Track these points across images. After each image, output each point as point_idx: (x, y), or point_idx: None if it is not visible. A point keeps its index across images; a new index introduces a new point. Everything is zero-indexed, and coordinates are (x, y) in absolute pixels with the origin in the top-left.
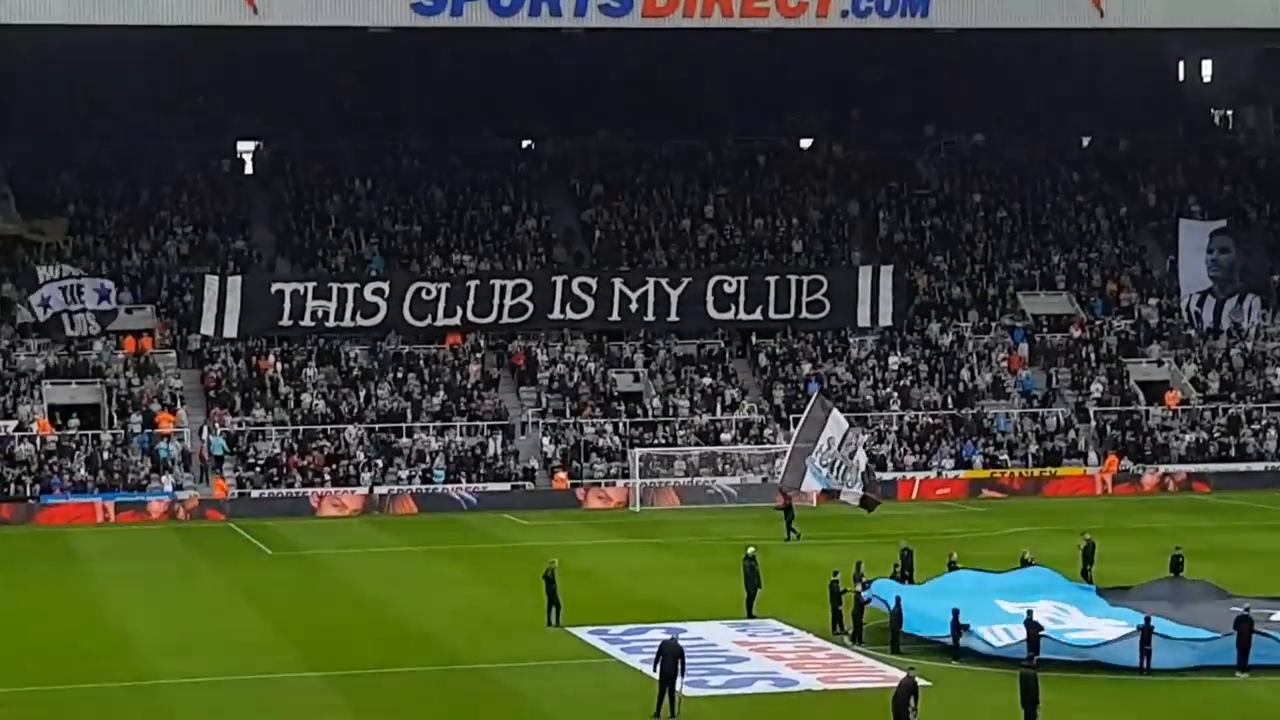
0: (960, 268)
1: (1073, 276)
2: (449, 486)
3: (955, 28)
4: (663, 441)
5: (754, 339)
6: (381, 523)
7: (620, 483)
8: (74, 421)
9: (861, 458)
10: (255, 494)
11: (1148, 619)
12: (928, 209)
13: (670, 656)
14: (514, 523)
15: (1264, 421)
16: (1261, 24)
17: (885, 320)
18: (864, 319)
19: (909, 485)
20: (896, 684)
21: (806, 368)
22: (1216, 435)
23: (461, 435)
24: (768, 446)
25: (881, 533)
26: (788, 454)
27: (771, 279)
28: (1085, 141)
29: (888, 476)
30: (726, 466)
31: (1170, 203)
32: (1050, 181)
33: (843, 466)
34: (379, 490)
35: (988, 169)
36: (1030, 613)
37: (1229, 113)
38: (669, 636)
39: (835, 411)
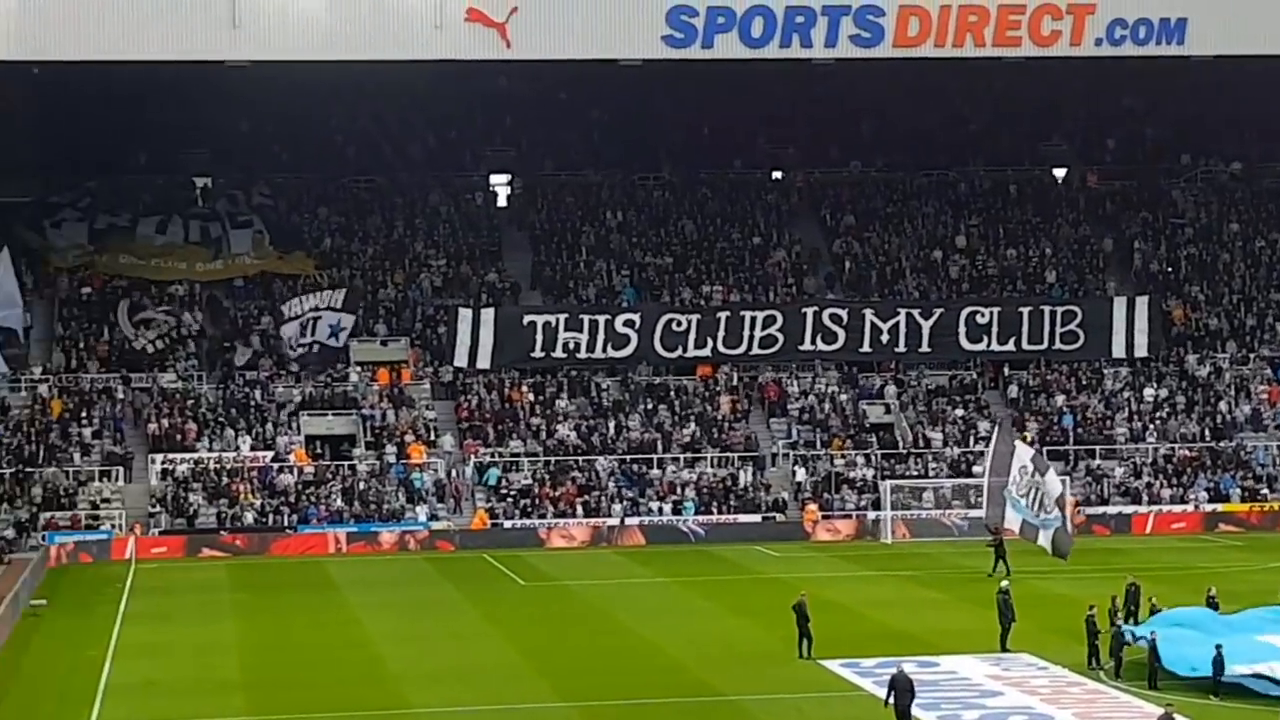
0: (1217, 298)
1: None
2: (676, 519)
3: (1211, 55)
4: (915, 474)
5: (1006, 370)
6: (630, 554)
7: (854, 514)
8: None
9: (1054, 484)
10: (508, 524)
11: None
12: (1184, 238)
13: (904, 692)
14: (761, 554)
15: None
16: None
17: (1141, 351)
18: (1119, 350)
19: (1143, 519)
20: None
21: (1060, 399)
22: None
23: (712, 467)
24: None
25: (1130, 567)
26: (985, 489)
27: (1024, 310)
28: None
29: (1138, 509)
30: (978, 498)
31: None
32: None
33: (1038, 495)
34: (609, 522)
35: (1245, 197)
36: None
37: None
38: (899, 670)
39: (1019, 441)
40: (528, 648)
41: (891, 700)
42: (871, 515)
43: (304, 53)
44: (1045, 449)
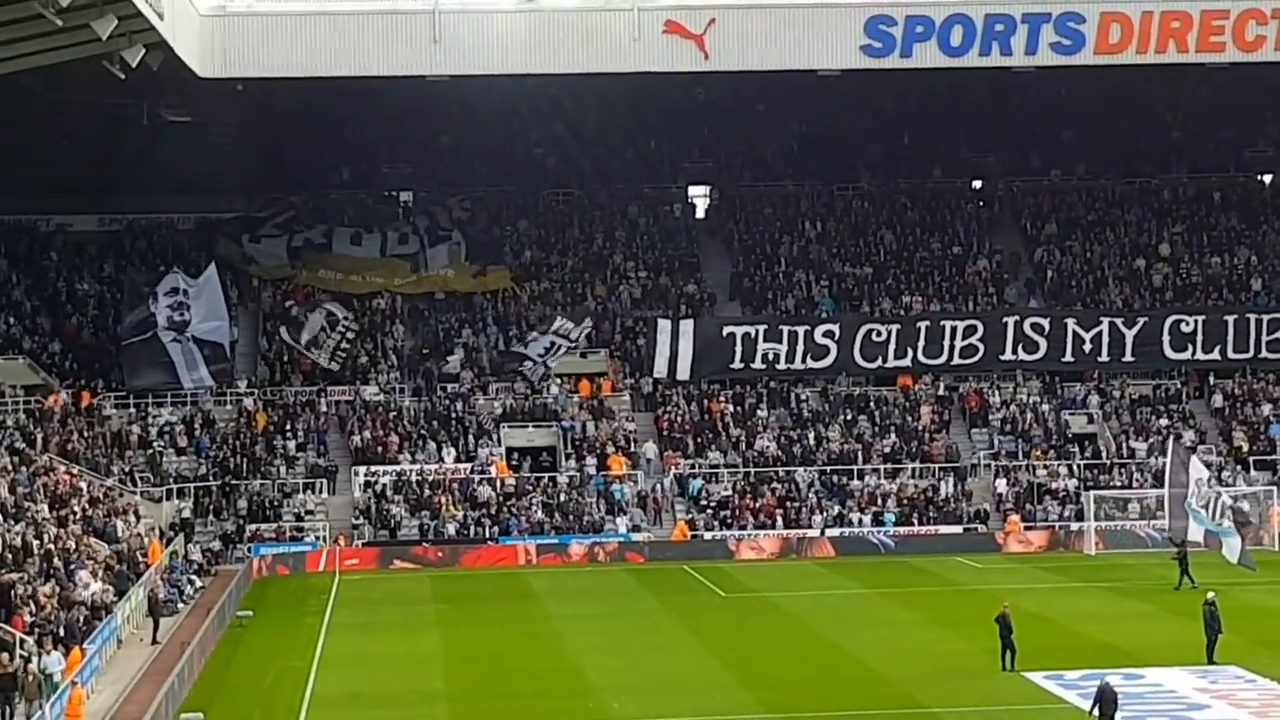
0: None
1: None
2: (863, 530)
3: None
4: (1119, 484)
5: (1211, 379)
6: (826, 565)
7: (1055, 525)
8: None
9: (1228, 499)
10: (708, 535)
11: None
12: None
13: (1109, 703)
14: (960, 564)
15: None
16: None
17: None
18: None
19: None
20: None
21: (1266, 409)
22: None
23: (913, 478)
24: (1220, 489)
25: None
26: (1167, 501)
27: (1230, 318)
28: None
29: None
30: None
31: None
32: None
33: (1217, 505)
34: (803, 533)
35: None
36: None
37: None
38: (1104, 682)
39: (1194, 456)
40: (730, 659)
41: (1097, 712)
42: (1074, 526)
43: (504, 66)
44: (1253, 458)
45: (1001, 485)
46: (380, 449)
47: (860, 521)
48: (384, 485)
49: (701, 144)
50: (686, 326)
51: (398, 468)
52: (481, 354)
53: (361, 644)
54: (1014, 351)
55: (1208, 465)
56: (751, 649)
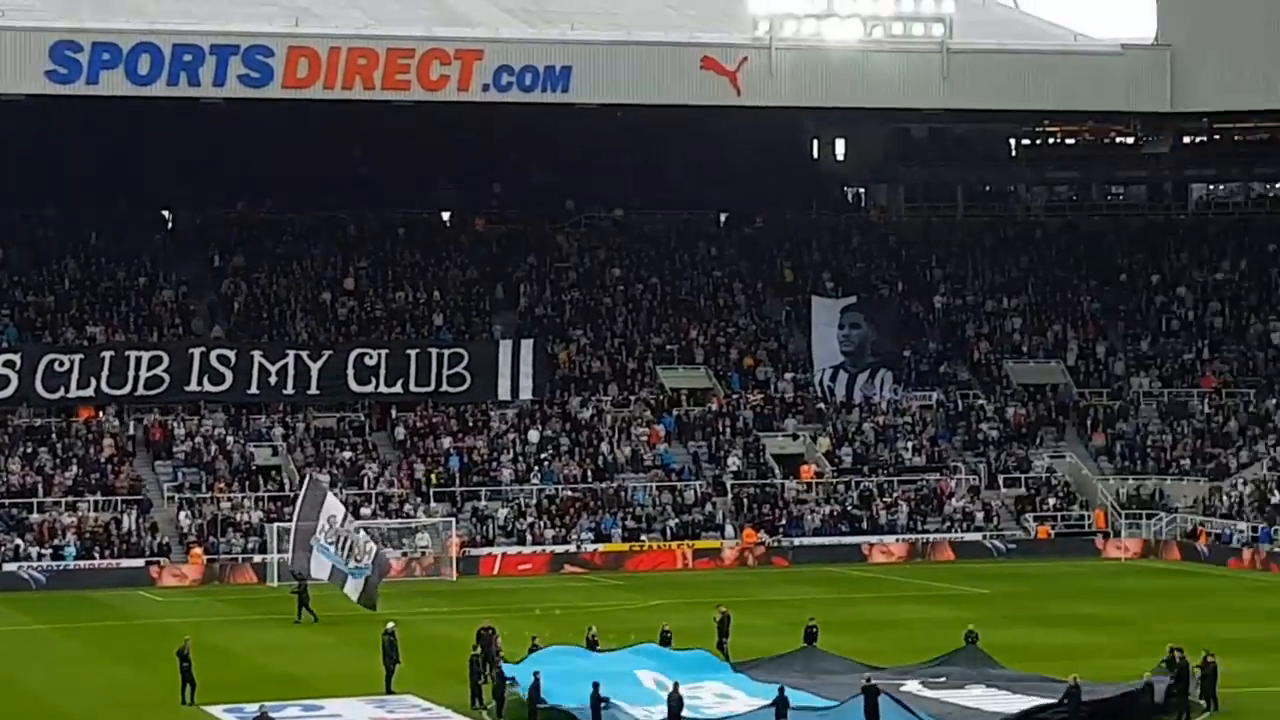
0: (600, 341)
1: (710, 351)
2: (12, 565)
3: (595, 103)
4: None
5: (394, 412)
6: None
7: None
8: None
9: (367, 541)
10: None
11: (781, 689)
12: (568, 282)
13: None
14: (145, 598)
15: (894, 495)
16: (889, 105)
17: (526, 394)
18: (504, 392)
19: (491, 560)
20: None
21: (447, 441)
22: (849, 508)
23: (95, 510)
24: (409, 520)
25: (504, 605)
26: (293, 535)
27: (412, 352)
28: (723, 217)
29: (524, 550)
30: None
31: (805, 278)
32: (688, 256)
33: (349, 542)
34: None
35: (627, 243)
36: (676, 685)
37: (861, 190)
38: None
39: (330, 494)
40: None
41: None
42: (258, 558)
43: None
44: (433, 490)
45: (184, 518)
46: None
47: (40, 555)
48: None
49: None
50: None
51: None
52: None
53: None
54: (199, 383)
55: (344, 504)
56: None
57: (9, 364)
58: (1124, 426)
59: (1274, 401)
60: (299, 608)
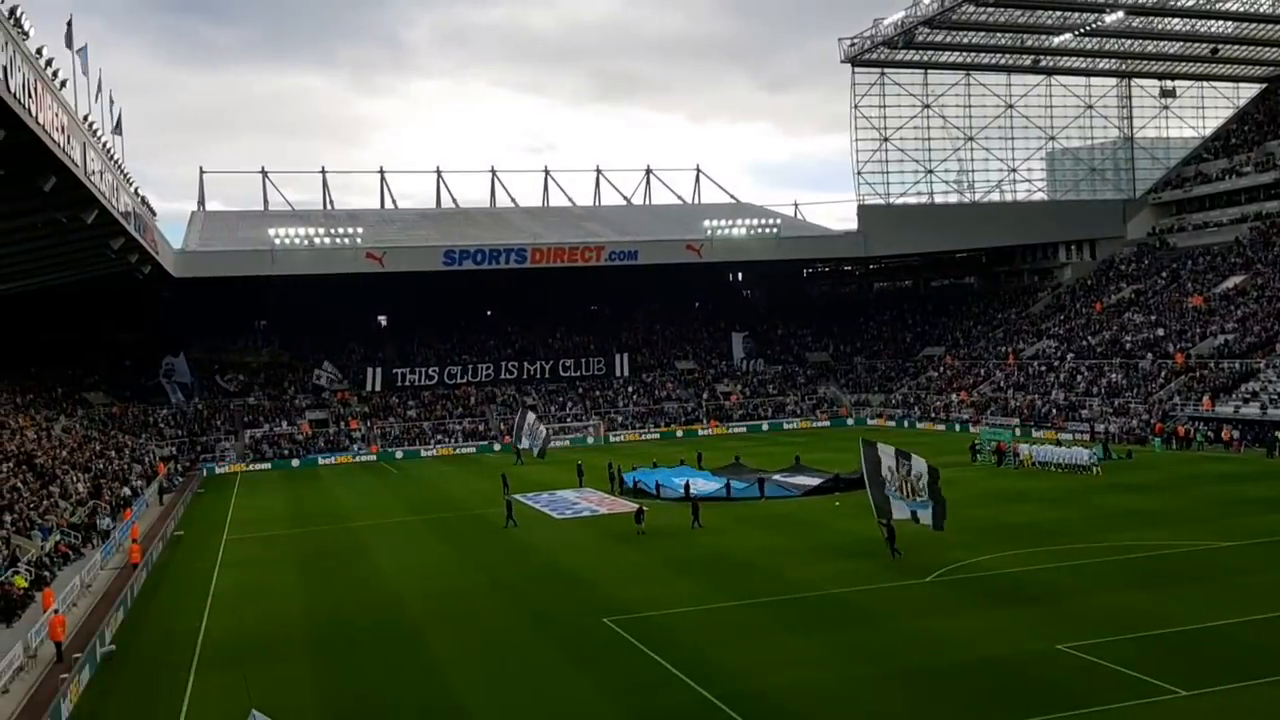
0: None
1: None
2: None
3: (646, 264)
4: None
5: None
6: None
7: None
8: None
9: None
10: None
11: (728, 481)
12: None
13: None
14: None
15: None
16: (758, 258)
17: None
18: None
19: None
20: None
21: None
22: None
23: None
24: (584, 422)
25: (620, 454)
26: (514, 430)
27: None
28: (696, 305)
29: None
30: None
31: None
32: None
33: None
34: None
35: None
36: (687, 484)
37: (748, 292)
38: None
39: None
40: None
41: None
42: None
43: None
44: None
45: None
46: None
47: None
48: None
49: None
50: None
51: None
52: None
53: None
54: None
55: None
56: None
57: None
58: None
59: None
60: (515, 457)
